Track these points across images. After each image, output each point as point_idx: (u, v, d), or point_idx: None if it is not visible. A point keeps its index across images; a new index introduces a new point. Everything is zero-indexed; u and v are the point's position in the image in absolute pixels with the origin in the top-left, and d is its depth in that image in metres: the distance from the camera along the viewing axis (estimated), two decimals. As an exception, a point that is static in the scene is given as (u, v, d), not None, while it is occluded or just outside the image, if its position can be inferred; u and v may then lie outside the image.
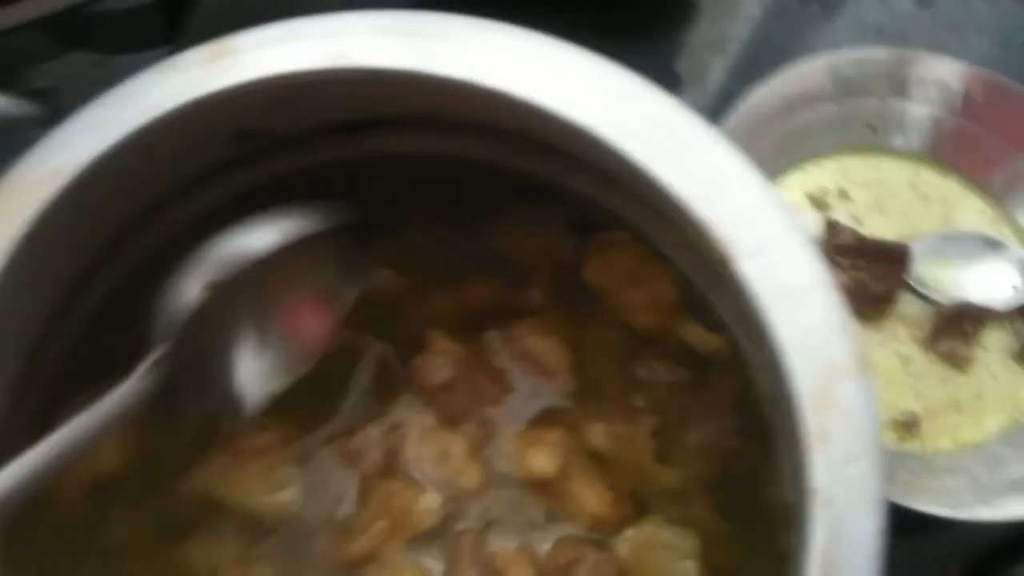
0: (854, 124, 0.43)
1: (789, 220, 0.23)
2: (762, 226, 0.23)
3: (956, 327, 0.40)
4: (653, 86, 0.25)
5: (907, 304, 0.41)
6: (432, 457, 0.30)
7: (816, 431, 0.21)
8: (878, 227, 0.42)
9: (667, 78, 0.48)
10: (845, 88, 0.42)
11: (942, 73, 0.42)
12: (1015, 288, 0.41)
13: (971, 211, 0.43)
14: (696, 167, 0.24)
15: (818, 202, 0.43)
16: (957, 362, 0.40)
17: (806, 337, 0.22)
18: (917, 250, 0.41)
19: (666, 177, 0.24)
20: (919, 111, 0.43)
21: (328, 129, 0.34)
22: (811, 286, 0.23)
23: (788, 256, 0.23)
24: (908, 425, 0.38)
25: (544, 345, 0.34)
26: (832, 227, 0.41)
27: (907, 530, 0.35)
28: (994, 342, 0.41)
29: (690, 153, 0.24)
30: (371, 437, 0.30)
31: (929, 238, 0.42)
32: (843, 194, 0.43)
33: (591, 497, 0.30)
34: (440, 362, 0.32)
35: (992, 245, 0.41)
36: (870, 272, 0.40)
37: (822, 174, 0.44)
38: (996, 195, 0.43)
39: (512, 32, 0.26)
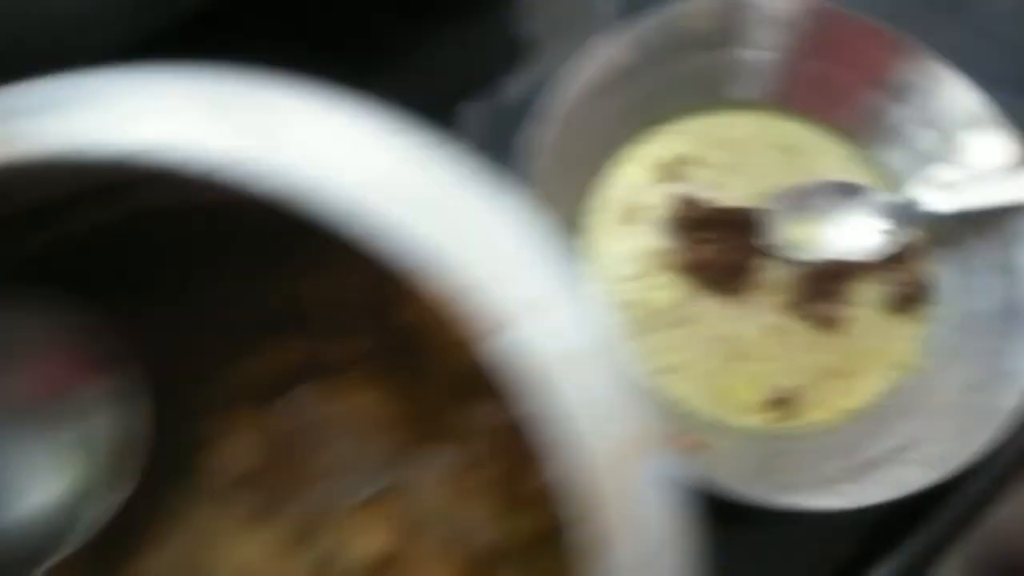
0: (696, 82, 0.40)
1: (565, 274, 0.20)
2: (527, 287, 0.19)
3: (822, 287, 0.38)
4: (404, 132, 0.21)
5: (773, 271, 0.38)
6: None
7: (596, 535, 0.18)
8: (740, 189, 0.39)
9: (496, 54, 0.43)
10: (679, 45, 0.39)
11: (773, 11, 0.39)
12: (883, 233, 0.38)
13: (831, 157, 0.40)
14: (449, 228, 0.20)
15: (675, 172, 0.40)
16: (829, 324, 0.38)
17: (583, 414, 0.19)
18: (773, 209, 0.38)
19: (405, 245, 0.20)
20: (758, 57, 0.39)
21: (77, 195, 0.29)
22: (590, 351, 0.19)
23: (561, 319, 0.19)
24: (785, 402, 0.36)
25: (371, 399, 0.30)
26: (677, 201, 0.38)
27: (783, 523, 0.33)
28: (867, 296, 0.38)
29: (442, 213, 0.20)
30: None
31: (784, 194, 0.39)
32: (699, 160, 0.40)
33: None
34: (244, 445, 0.28)
35: (851, 191, 0.39)
36: (722, 243, 0.37)
37: (674, 141, 0.40)
38: (852, 135, 0.40)
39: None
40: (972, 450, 0.32)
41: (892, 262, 0.38)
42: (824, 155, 0.40)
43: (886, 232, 0.38)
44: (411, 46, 0.43)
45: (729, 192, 0.39)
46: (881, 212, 0.38)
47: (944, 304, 0.37)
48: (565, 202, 0.37)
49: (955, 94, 0.37)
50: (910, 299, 0.38)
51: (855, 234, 0.38)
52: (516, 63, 0.43)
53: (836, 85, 0.39)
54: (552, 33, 0.43)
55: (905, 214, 0.37)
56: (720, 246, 0.37)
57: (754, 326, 0.37)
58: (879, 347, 0.37)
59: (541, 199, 0.33)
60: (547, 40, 0.43)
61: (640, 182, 0.39)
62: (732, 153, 0.40)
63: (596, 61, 0.36)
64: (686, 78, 0.39)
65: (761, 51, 0.39)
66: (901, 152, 0.39)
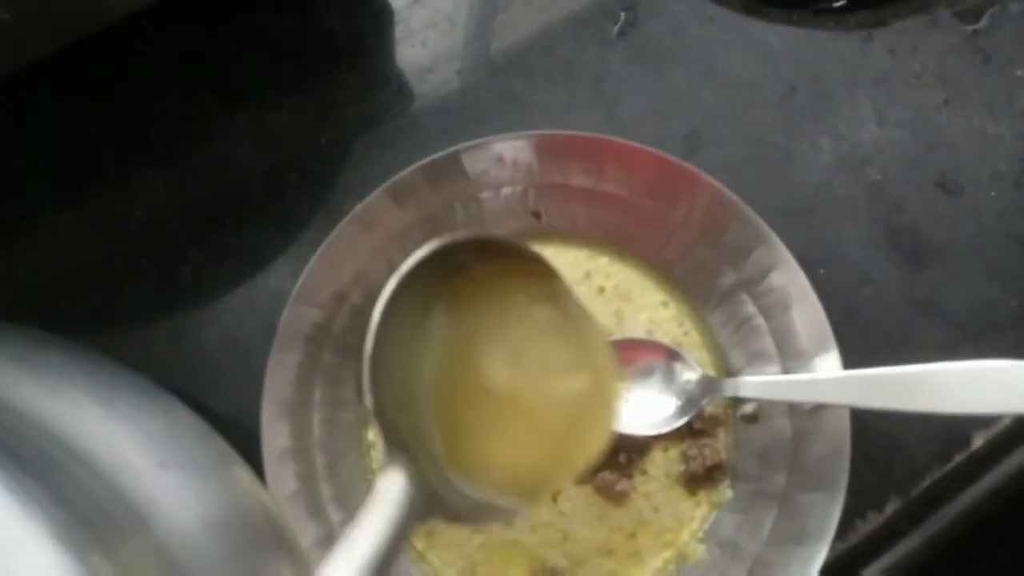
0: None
1: None
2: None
3: (611, 459, 0.34)
4: None
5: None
6: None
7: None
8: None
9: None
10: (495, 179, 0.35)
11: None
12: (679, 407, 0.35)
13: (648, 307, 0.37)
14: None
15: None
16: (613, 496, 0.35)
17: None
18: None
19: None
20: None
21: None
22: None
23: None
24: (551, 582, 0.33)
25: None
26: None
27: None
28: (659, 466, 0.35)
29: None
30: None
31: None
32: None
33: None
34: None
35: (655, 356, 0.35)
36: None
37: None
38: (685, 291, 0.37)
39: None
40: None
41: (691, 436, 0.35)
42: (647, 306, 0.37)
43: (683, 407, 0.35)
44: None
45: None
46: (680, 386, 0.35)
47: (736, 489, 0.35)
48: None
49: (791, 279, 0.34)
50: (703, 478, 0.35)
51: (650, 405, 0.35)
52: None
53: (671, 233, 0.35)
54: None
55: (707, 391, 0.34)
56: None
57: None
58: (664, 523, 0.34)
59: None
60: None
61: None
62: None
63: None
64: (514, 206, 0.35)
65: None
66: (727, 318, 0.36)
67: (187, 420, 0.26)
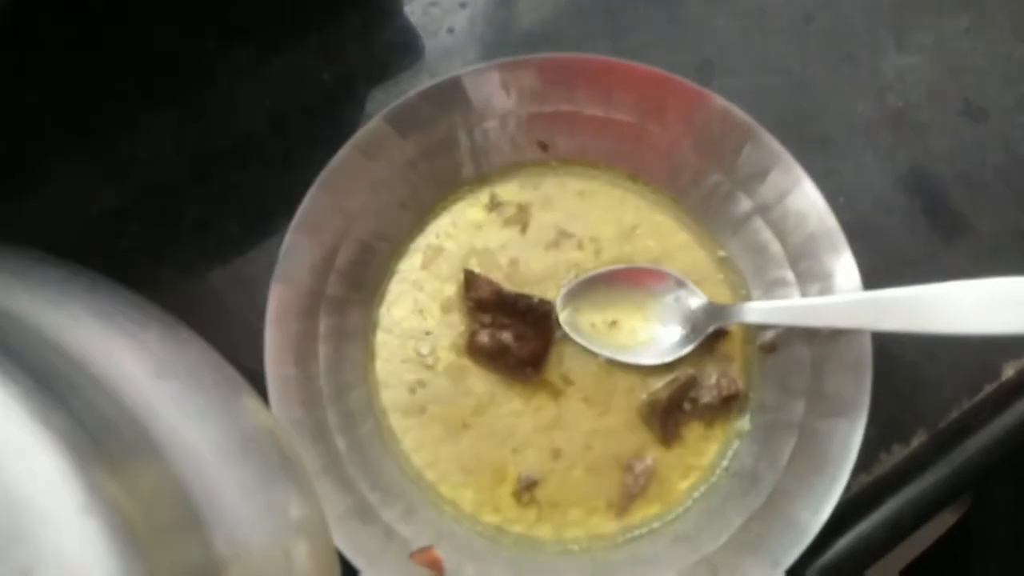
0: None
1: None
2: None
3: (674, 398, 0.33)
4: None
5: (570, 358, 0.34)
6: None
7: None
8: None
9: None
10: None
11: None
12: (684, 335, 0.34)
13: (670, 239, 0.36)
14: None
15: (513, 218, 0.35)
16: (673, 439, 0.34)
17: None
18: (567, 296, 0.34)
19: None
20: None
21: None
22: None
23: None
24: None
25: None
26: (469, 280, 0.34)
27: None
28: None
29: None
30: None
31: (579, 282, 0.34)
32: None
33: None
34: None
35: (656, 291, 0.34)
36: (515, 330, 0.33)
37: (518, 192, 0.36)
38: (702, 220, 0.36)
39: None
40: None
41: (706, 367, 0.34)
42: (663, 235, 0.36)
43: (688, 336, 0.34)
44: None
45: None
46: (686, 314, 0.34)
47: (754, 420, 0.34)
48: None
49: (809, 201, 0.33)
50: (719, 408, 0.34)
51: (656, 334, 0.34)
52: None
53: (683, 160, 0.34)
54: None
55: (713, 319, 0.33)
56: (515, 332, 0.33)
57: (539, 418, 0.33)
58: (681, 459, 0.34)
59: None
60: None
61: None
62: (570, 212, 0.36)
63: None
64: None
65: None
66: (744, 246, 0.35)
67: (191, 341, 0.26)
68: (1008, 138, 0.39)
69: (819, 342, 0.32)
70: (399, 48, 0.39)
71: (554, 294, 0.34)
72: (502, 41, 0.39)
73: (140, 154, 0.37)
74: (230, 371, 0.26)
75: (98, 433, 0.20)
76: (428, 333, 0.34)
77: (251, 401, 0.26)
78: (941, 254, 0.37)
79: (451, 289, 0.34)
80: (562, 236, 0.35)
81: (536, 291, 0.34)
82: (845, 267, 0.32)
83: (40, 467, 0.16)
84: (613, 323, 0.34)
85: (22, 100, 0.37)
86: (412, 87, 0.34)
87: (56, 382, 0.20)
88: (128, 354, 0.23)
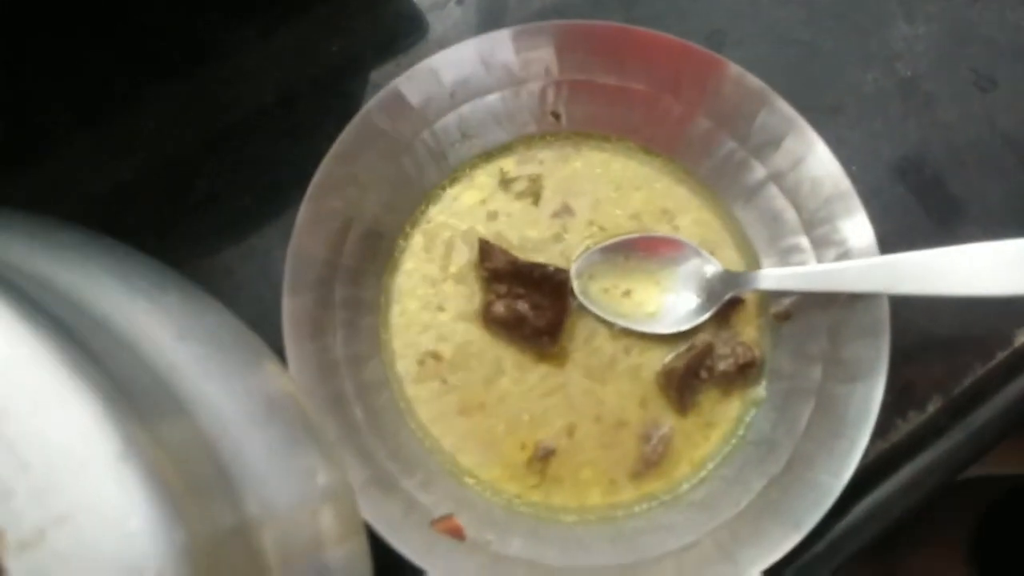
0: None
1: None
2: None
3: (691, 366, 0.33)
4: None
5: (584, 327, 0.34)
6: None
7: None
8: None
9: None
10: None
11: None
12: (699, 304, 0.34)
13: (683, 208, 0.36)
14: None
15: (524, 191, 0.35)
16: (688, 407, 0.33)
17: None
18: (582, 266, 0.34)
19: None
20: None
21: None
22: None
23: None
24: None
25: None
26: (484, 250, 0.33)
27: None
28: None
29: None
30: None
31: (593, 252, 0.34)
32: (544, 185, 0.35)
33: None
34: None
35: (678, 251, 0.34)
36: (530, 300, 0.33)
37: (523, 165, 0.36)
38: (715, 188, 0.36)
39: None
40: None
41: (722, 336, 0.34)
42: (677, 205, 0.35)
43: (704, 304, 0.34)
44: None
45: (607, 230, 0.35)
46: (700, 282, 0.34)
47: (771, 387, 0.34)
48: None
49: (823, 167, 0.33)
50: (736, 376, 0.34)
51: (672, 302, 0.34)
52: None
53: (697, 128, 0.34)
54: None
55: (729, 287, 0.33)
56: (531, 301, 0.33)
57: (553, 383, 0.33)
58: (698, 426, 0.33)
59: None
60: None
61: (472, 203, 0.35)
62: (583, 183, 0.35)
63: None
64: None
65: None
66: (758, 215, 0.35)
67: (212, 305, 0.26)
68: (1016, 107, 0.39)
69: (835, 308, 0.32)
70: (406, 21, 0.39)
71: (567, 265, 0.34)
72: (512, 12, 0.39)
73: (148, 130, 0.37)
74: (252, 336, 0.26)
75: (128, 388, 0.19)
76: (442, 304, 0.34)
77: (273, 366, 0.25)
78: (952, 221, 0.37)
79: (465, 259, 0.34)
80: (575, 207, 0.35)
81: (549, 262, 0.34)
82: (860, 228, 0.32)
83: (76, 417, 0.16)
84: (627, 292, 0.34)
85: (30, 78, 0.37)
86: (420, 59, 0.34)
87: (84, 338, 0.20)
88: (149, 317, 0.23)
